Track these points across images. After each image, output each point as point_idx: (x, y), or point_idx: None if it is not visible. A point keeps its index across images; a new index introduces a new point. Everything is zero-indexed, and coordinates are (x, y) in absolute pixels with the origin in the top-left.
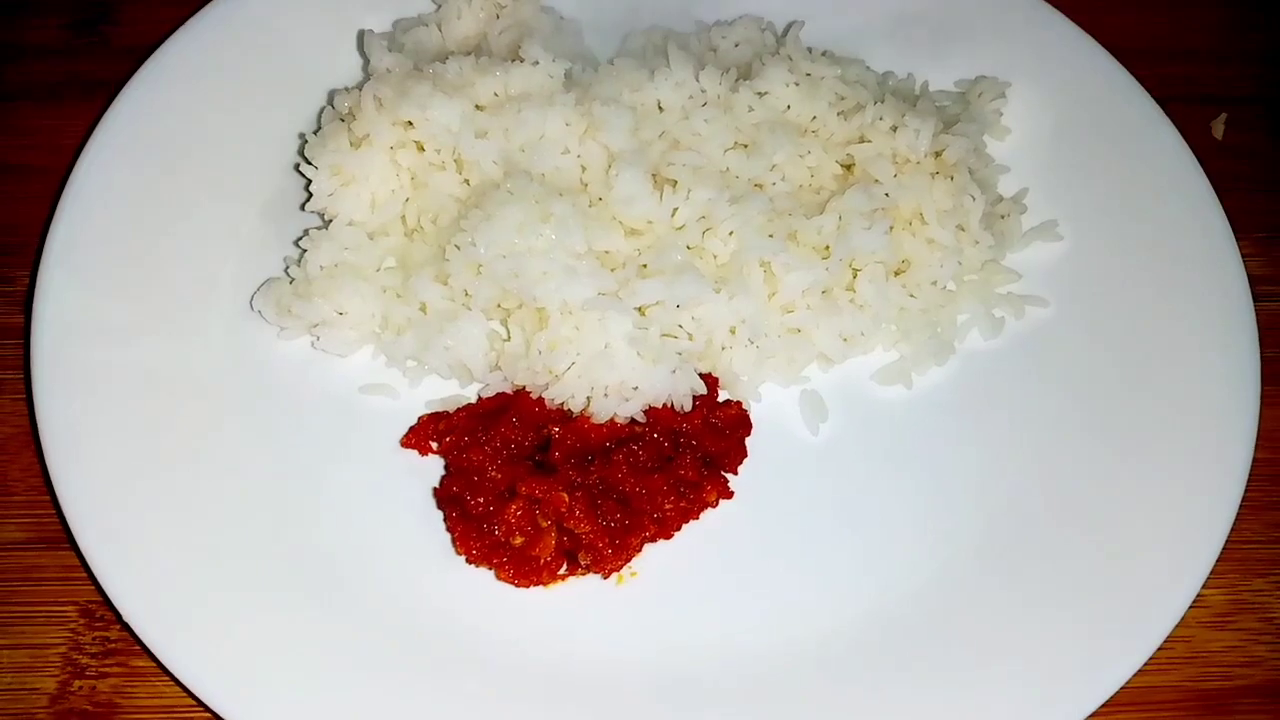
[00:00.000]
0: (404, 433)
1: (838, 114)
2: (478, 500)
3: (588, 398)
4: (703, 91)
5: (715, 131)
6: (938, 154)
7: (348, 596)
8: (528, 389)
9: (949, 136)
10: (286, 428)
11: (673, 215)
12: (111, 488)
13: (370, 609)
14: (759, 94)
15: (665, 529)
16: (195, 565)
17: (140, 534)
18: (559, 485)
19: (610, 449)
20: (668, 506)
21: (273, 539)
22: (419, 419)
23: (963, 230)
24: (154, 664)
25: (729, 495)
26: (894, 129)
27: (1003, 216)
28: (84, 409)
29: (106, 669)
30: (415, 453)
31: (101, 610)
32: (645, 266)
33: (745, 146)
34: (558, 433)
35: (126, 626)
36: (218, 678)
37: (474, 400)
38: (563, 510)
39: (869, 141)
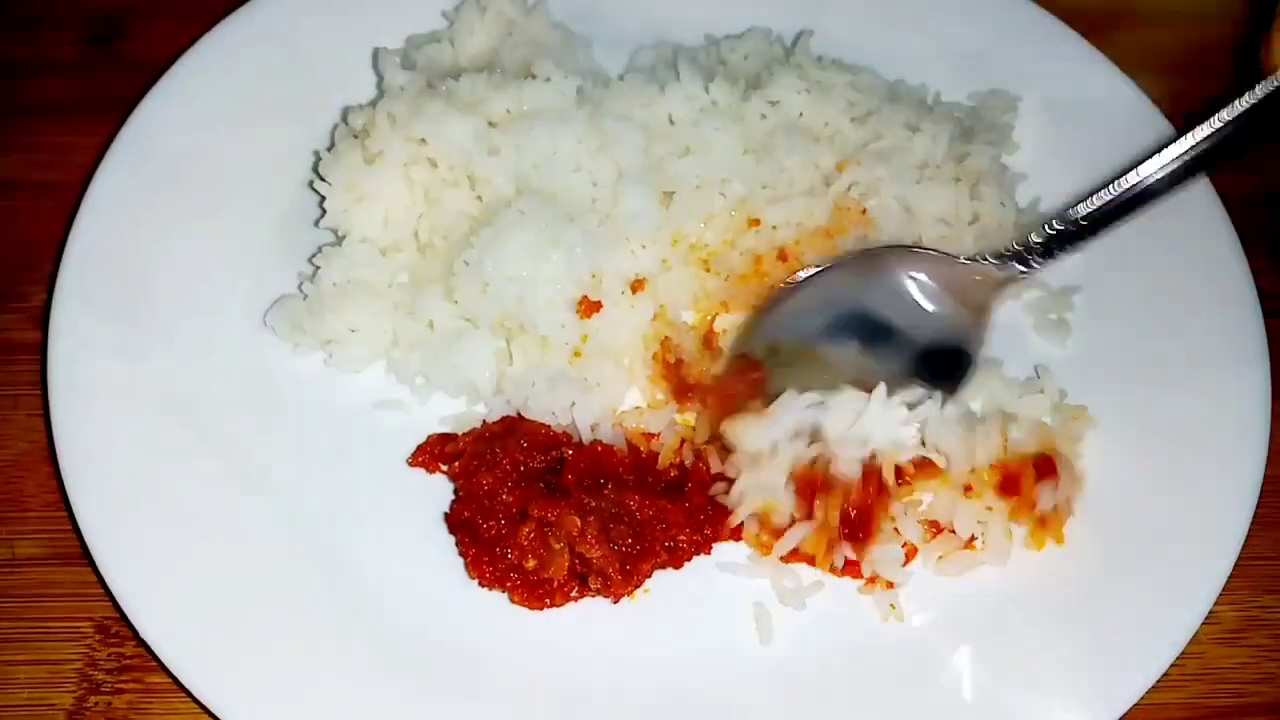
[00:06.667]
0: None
1: (851, 119)
2: (489, 524)
3: (591, 427)
4: (713, 103)
5: (725, 139)
6: (959, 160)
7: (362, 614)
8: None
9: (971, 145)
10: (300, 444)
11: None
12: (127, 503)
13: (386, 628)
14: (771, 102)
15: (677, 559)
16: (211, 581)
17: (156, 550)
18: (571, 508)
19: (624, 475)
20: (681, 538)
21: (288, 556)
22: (427, 438)
23: (987, 237)
24: (169, 680)
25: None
26: (909, 130)
27: (1022, 227)
28: (99, 425)
29: (122, 685)
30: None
31: (117, 626)
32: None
33: (755, 154)
34: (570, 455)
35: (142, 642)
36: (233, 694)
37: (485, 415)
38: (574, 534)
39: (883, 138)
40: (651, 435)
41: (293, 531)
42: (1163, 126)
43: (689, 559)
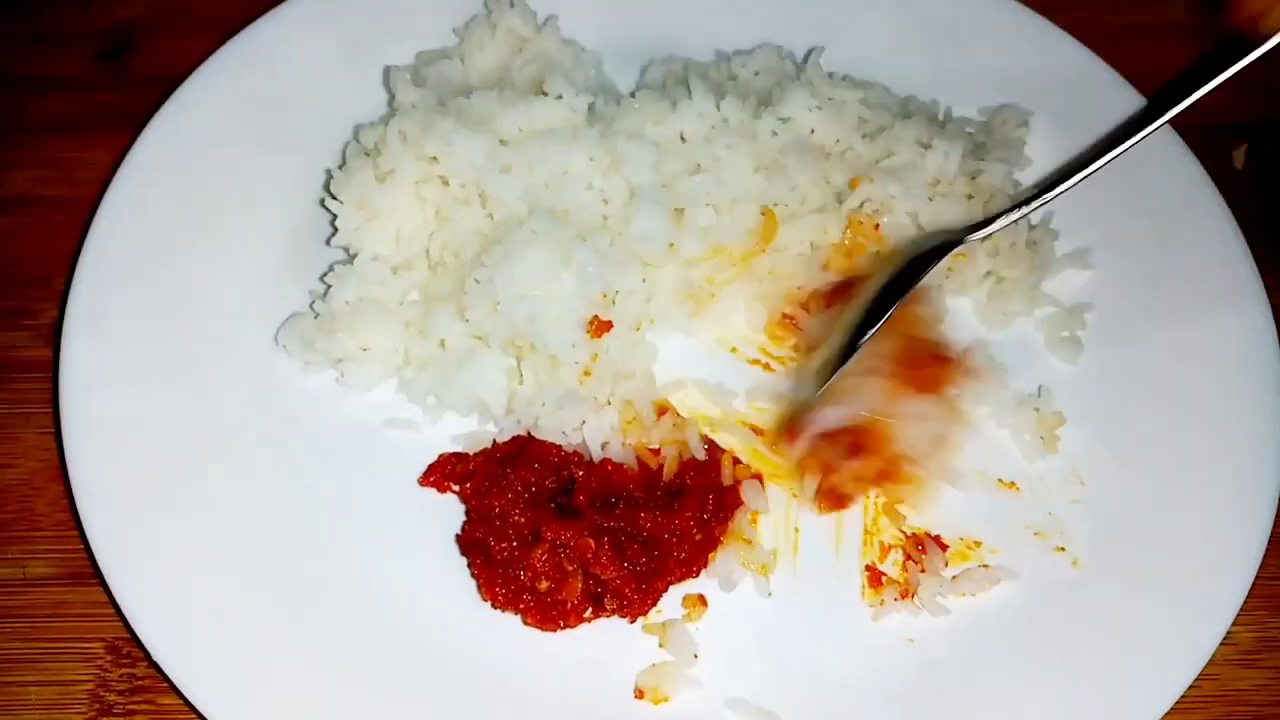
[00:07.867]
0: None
1: (862, 136)
2: (502, 545)
3: (602, 445)
4: (725, 120)
5: (737, 157)
6: (971, 177)
7: (374, 635)
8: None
9: (983, 162)
10: (312, 463)
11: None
12: (138, 522)
13: (398, 649)
14: (782, 119)
15: (688, 568)
16: (223, 602)
17: (167, 569)
18: (584, 530)
19: (635, 493)
20: (686, 547)
21: (299, 576)
22: (438, 457)
23: (999, 255)
24: (181, 701)
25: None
26: (922, 146)
27: (1034, 243)
28: (110, 443)
29: (134, 706)
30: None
31: (129, 647)
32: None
33: (767, 171)
34: (581, 476)
35: (154, 663)
36: (244, 716)
37: (496, 434)
38: (589, 556)
39: (895, 155)
40: (656, 451)
41: (304, 551)
42: (1174, 140)
43: (704, 564)
